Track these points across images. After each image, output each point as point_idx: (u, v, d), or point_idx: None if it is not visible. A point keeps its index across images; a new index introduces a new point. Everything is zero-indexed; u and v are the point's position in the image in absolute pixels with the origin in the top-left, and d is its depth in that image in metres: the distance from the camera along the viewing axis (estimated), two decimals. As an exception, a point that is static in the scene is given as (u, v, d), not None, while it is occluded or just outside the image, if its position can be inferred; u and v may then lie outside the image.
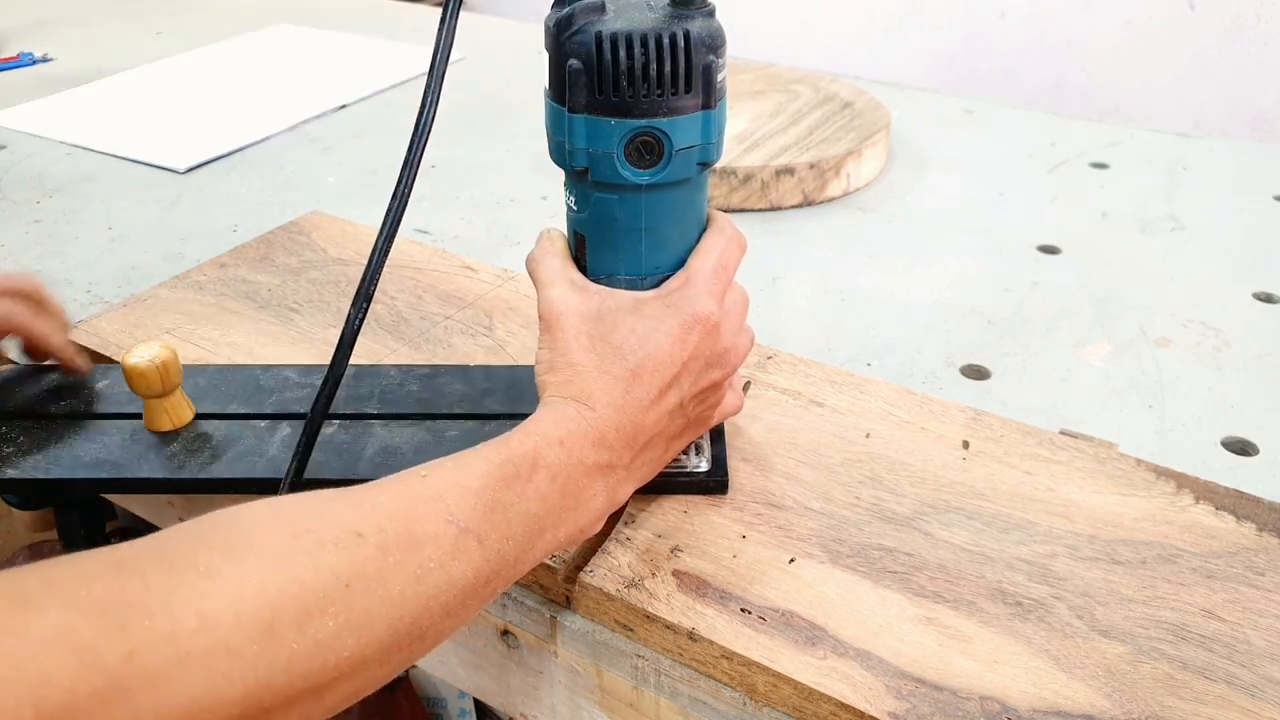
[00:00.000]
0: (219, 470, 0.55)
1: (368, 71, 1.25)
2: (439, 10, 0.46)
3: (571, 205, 0.50)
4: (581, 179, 0.48)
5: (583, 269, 0.50)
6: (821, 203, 0.93)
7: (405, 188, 0.46)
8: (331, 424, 0.58)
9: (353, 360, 0.49)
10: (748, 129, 0.97)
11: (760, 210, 0.91)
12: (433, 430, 0.57)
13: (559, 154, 0.48)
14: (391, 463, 0.54)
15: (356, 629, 0.35)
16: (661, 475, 0.52)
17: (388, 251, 0.47)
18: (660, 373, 0.46)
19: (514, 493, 0.41)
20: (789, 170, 0.90)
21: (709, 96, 0.46)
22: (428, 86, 0.46)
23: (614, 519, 0.52)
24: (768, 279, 0.80)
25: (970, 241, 0.86)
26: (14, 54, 1.34)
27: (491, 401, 0.59)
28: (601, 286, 0.49)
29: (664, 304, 0.48)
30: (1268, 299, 0.77)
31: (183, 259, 0.84)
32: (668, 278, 0.49)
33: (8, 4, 1.59)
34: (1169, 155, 1.02)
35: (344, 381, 0.53)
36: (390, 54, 1.32)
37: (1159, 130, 1.09)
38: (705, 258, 0.49)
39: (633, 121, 0.45)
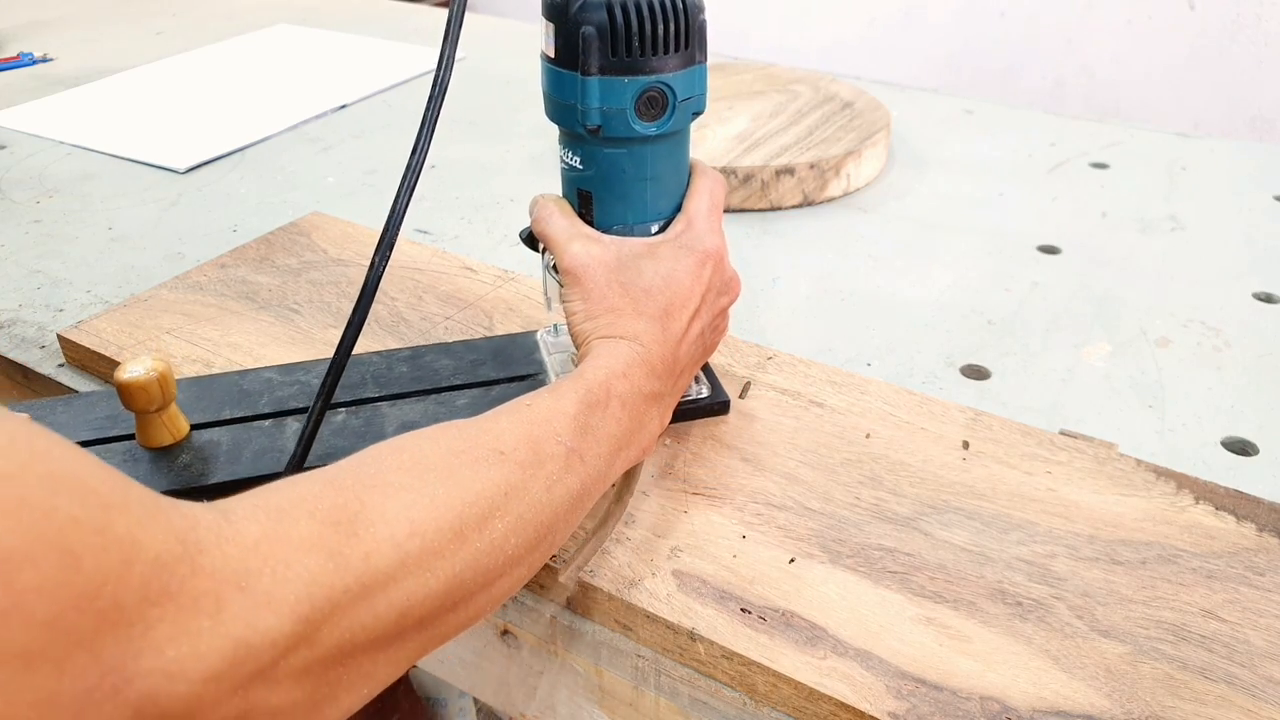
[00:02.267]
0: (245, 469, 0.54)
1: (368, 71, 1.25)
2: (439, 10, 0.46)
3: (576, 165, 0.53)
4: (591, 138, 0.52)
5: (589, 223, 0.54)
6: (821, 203, 0.93)
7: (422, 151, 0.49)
8: (339, 412, 0.58)
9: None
10: (748, 129, 0.97)
11: (760, 210, 0.91)
12: (441, 402, 0.58)
13: (567, 117, 0.51)
14: None
15: (516, 530, 0.41)
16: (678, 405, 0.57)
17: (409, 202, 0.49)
18: (686, 307, 0.52)
19: (598, 417, 0.46)
20: (789, 170, 0.90)
21: (702, 51, 0.51)
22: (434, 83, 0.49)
23: (615, 518, 0.52)
24: (768, 279, 0.80)
25: (970, 241, 0.86)
26: (14, 54, 1.34)
27: (485, 370, 0.61)
28: (614, 237, 0.53)
29: (677, 246, 0.53)
30: (1268, 299, 0.77)
31: (183, 259, 0.84)
32: (667, 221, 0.55)
33: (8, 4, 1.59)
34: (1169, 155, 1.02)
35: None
36: (390, 54, 1.32)
37: (1159, 130, 1.09)
38: (700, 199, 0.55)
39: (643, 79, 0.49)
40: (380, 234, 0.49)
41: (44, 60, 1.33)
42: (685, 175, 0.56)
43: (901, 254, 0.84)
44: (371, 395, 0.59)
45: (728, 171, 0.89)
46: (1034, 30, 2.32)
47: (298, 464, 0.50)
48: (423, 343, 0.67)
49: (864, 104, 1.03)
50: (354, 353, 0.63)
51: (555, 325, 0.65)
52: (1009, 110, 1.15)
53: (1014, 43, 2.36)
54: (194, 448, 0.56)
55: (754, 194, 0.91)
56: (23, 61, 1.32)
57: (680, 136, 0.53)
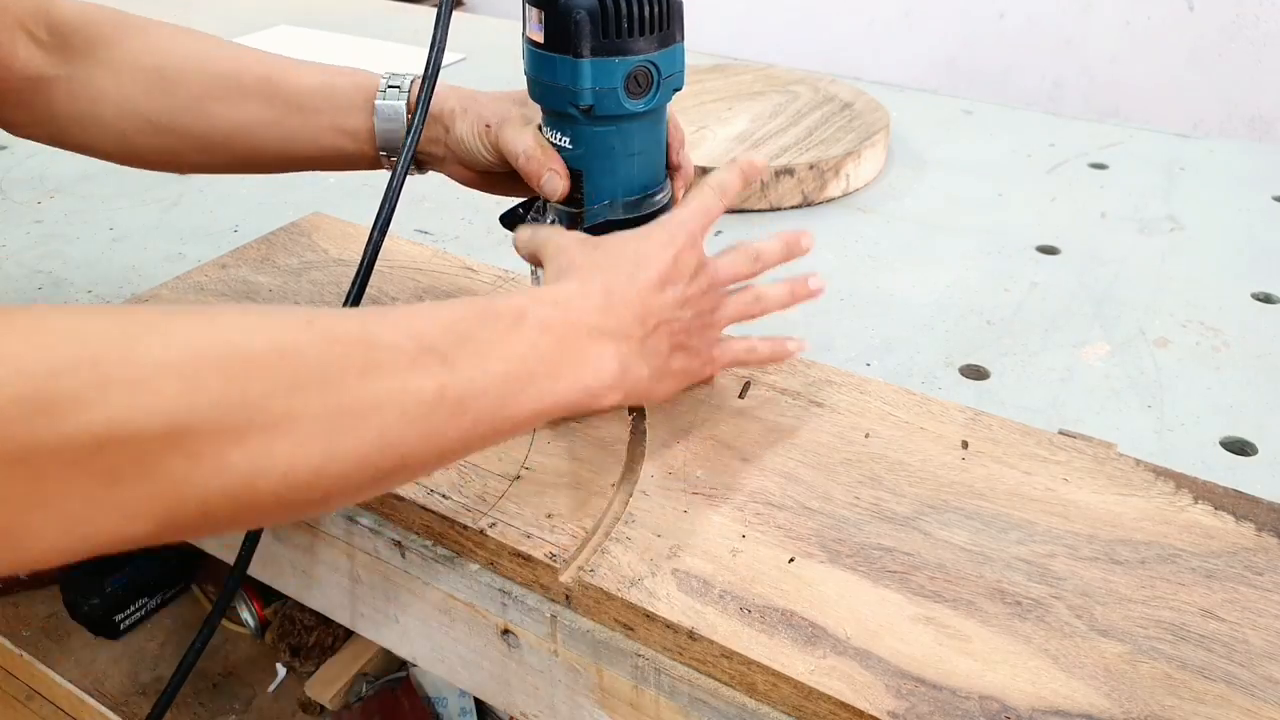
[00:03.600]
0: None
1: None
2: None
3: (566, 145, 0.56)
4: (583, 118, 0.54)
5: (578, 203, 0.57)
6: (821, 203, 0.93)
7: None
8: None
9: None
10: (747, 129, 0.97)
11: (760, 210, 0.92)
12: None
13: (558, 99, 0.54)
14: None
15: (287, 393, 0.36)
16: None
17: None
18: (655, 262, 0.50)
19: (492, 330, 0.43)
20: (789, 171, 0.90)
21: (680, 30, 0.54)
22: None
23: (615, 517, 0.52)
24: (767, 279, 0.80)
25: (969, 242, 0.86)
26: (14, 54, 1.34)
27: None
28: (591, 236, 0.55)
29: (648, 227, 0.53)
30: (1266, 299, 0.77)
31: (183, 259, 0.84)
32: (650, 194, 0.58)
33: (8, 4, 1.59)
34: (1168, 156, 1.03)
35: None
36: (390, 54, 1.32)
37: (1158, 130, 1.09)
38: (687, 209, 0.54)
39: (632, 59, 0.52)
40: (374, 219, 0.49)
41: (44, 61, 1.33)
42: (665, 149, 0.59)
43: (901, 254, 0.84)
44: None
45: (727, 172, 0.89)
46: (1033, 31, 2.33)
47: None
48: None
49: (863, 104, 1.03)
50: None
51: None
52: (1008, 111, 1.15)
53: (1013, 43, 2.36)
54: None
55: (754, 194, 0.91)
56: (23, 62, 1.32)
57: (662, 112, 0.57)
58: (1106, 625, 0.46)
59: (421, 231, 0.88)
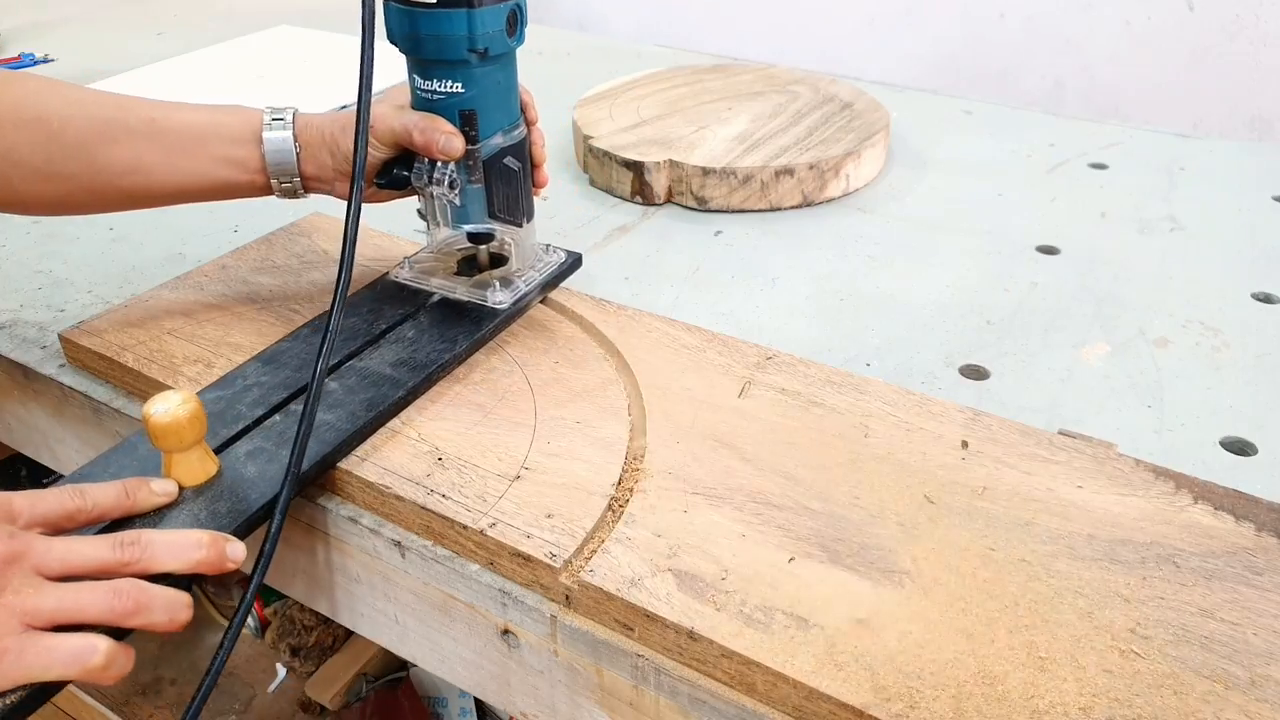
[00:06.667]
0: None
1: (368, 72, 1.25)
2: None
3: (458, 90, 0.64)
4: (477, 61, 0.62)
5: (473, 141, 0.65)
6: (821, 203, 0.93)
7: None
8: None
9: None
10: (747, 129, 0.97)
11: (760, 211, 0.92)
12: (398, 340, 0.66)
13: (455, 49, 0.61)
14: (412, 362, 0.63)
15: None
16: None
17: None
18: None
19: None
20: (788, 171, 0.90)
21: None
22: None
23: (615, 517, 0.52)
24: (768, 279, 0.80)
25: (969, 242, 0.86)
26: (15, 55, 1.34)
27: (391, 309, 0.70)
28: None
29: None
30: (1266, 299, 0.77)
31: (184, 259, 0.84)
32: (517, 122, 0.67)
33: (8, 5, 1.59)
34: (1168, 156, 1.03)
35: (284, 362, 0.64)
36: (390, 54, 1.32)
37: (1158, 130, 1.09)
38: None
39: (508, 3, 0.62)
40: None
41: (44, 61, 1.33)
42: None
43: (900, 254, 0.84)
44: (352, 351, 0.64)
45: (728, 172, 0.89)
46: (1033, 31, 2.32)
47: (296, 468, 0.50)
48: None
49: (863, 104, 1.03)
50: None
51: (407, 259, 0.75)
52: (1008, 111, 1.15)
53: (1013, 43, 2.36)
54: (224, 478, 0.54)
55: (754, 194, 0.91)
56: (23, 62, 1.32)
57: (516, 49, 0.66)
58: (1106, 625, 0.46)
59: (421, 232, 0.88)
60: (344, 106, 1.15)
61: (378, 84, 0.65)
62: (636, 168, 0.92)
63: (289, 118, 0.66)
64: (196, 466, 0.53)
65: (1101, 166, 1.00)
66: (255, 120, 0.66)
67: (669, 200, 0.93)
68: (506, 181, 0.67)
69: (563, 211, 0.93)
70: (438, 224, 0.69)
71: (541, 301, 0.72)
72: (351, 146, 0.65)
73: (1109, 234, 0.87)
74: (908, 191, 0.96)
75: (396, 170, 0.66)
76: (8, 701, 0.42)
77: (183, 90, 1.20)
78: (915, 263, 0.83)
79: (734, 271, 0.81)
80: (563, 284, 0.74)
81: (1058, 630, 0.46)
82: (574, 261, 0.75)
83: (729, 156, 0.91)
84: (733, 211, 0.91)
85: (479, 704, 1.18)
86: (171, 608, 0.46)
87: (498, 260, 0.73)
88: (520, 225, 0.69)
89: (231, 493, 0.53)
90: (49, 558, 0.44)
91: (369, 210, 0.82)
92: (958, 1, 2.36)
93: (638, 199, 0.94)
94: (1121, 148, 1.05)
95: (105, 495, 0.49)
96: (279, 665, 1.22)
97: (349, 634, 1.24)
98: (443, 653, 0.58)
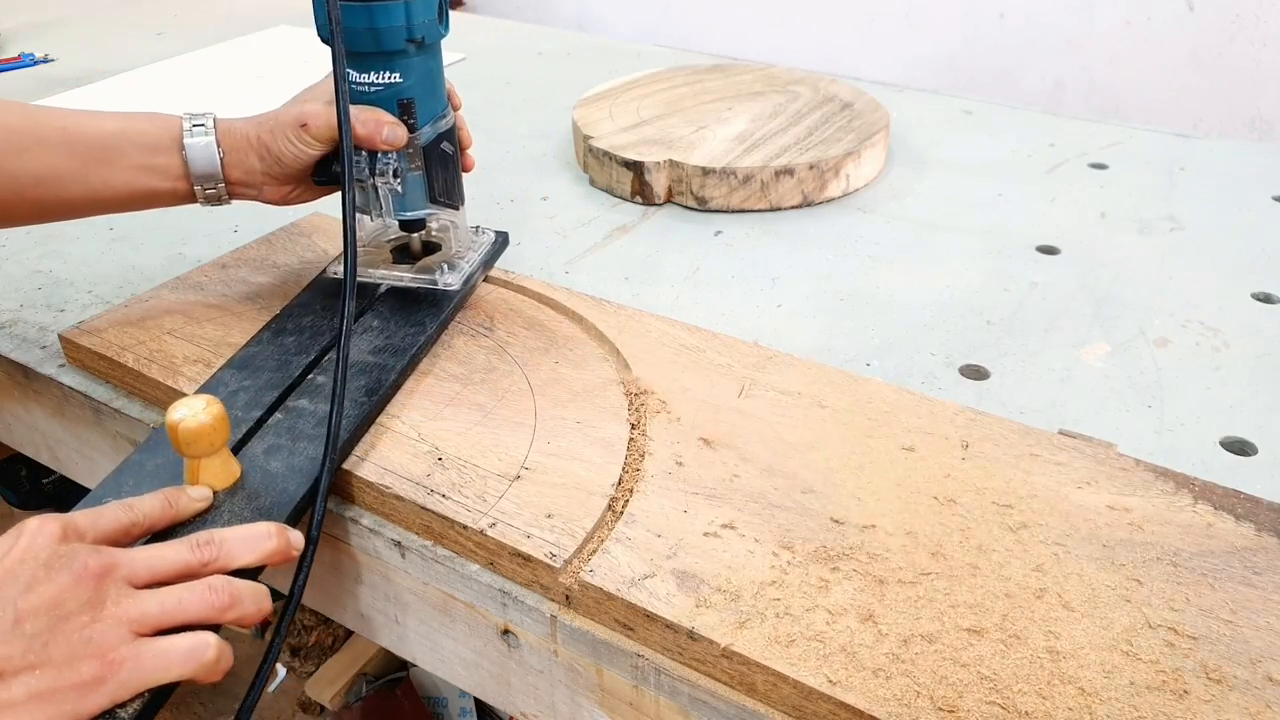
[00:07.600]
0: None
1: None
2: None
3: (396, 80, 0.65)
4: (415, 50, 0.64)
5: (412, 129, 0.66)
6: (821, 203, 0.93)
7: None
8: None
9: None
10: (747, 129, 0.97)
11: (760, 211, 0.92)
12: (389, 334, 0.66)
13: (393, 39, 0.63)
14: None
15: None
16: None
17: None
18: None
19: None
20: (789, 171, 0.90)
21: None
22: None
23: (615, 517, 0.52)
24: (768, 279, 0.80)
25: (970, 242, 0.86)
26: (15, 55, 1.34)
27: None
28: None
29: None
30: (1266, 299, 0.77)
31: (183, 259, 0.84)
32: (446, 109, 0.69)
33: (8, 5, 1.59)
34: (1168, 155, 1.03)
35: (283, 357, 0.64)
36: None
37: (1158, 130, 1.09)
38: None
39: None
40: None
41: (45, 61, 1.33)
42: None
43: (900, 254, 0.84)
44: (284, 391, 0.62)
45: (728, 172, 0.89)
46: (1033, 31, 2.32)
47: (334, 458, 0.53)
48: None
49: (863, 104, 1.03)
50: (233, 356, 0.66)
51: (339, 256, 0.74)
52: (1008, 111, 1.15)
53: (1013, 43, 2.36)
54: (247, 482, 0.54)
55: (754, 194, 0.91)
56: (23, 62, 1.32)
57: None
58: (1106, 625, 0.46)
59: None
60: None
61: (308, 80, 0.68)
62: (636, 168, 0.92)
63: (209, 123, 0.65)
64: (223, 470, 0.53)
65: (1101, 166, 1.00)
66: (174, 127, 0.65)
67: (669, 200, 0.93)
68: (444, 166, 0.69)
69: (563, 212, 0.93)
70: (380, 215, 0.70)
71: (538, 300, 0.72)
72: (281, 149, 0.65)
73: (1109, 234, 0.87)
74: (908, 191, 0.96)
75: (335, 166, 0.66)
76: (132, 710, 0.42)
77: (183, 90, 1.20)
78: (915, 263, 0.83)
79: (734, 271, 0.82)
80: (563, 284, 0.74)
81: (1058, 630, 0.46)
82: (504, 240, 0.78)
83: (729, 156, 0.91)
84: (733, 211, 0.91)
85: (479, 704, 1.19)
86: (257, 598, 0.48)
87: (430, 247, 0.74)
88: (458, 208, 0.71)
89: (266, 489, 0.53)
90: (136, 567, 0.45)
91: (277, 213, 0.81)
92: (958, 1, 2.36)
93: (638, 199, 0.94)
94: (1121, 148, 1.05)
95: (152, 507, 0.50)
96: (279, 665, 1.22)
97: (349, 634, 1.24)
98: (443, 653, 0.58)
